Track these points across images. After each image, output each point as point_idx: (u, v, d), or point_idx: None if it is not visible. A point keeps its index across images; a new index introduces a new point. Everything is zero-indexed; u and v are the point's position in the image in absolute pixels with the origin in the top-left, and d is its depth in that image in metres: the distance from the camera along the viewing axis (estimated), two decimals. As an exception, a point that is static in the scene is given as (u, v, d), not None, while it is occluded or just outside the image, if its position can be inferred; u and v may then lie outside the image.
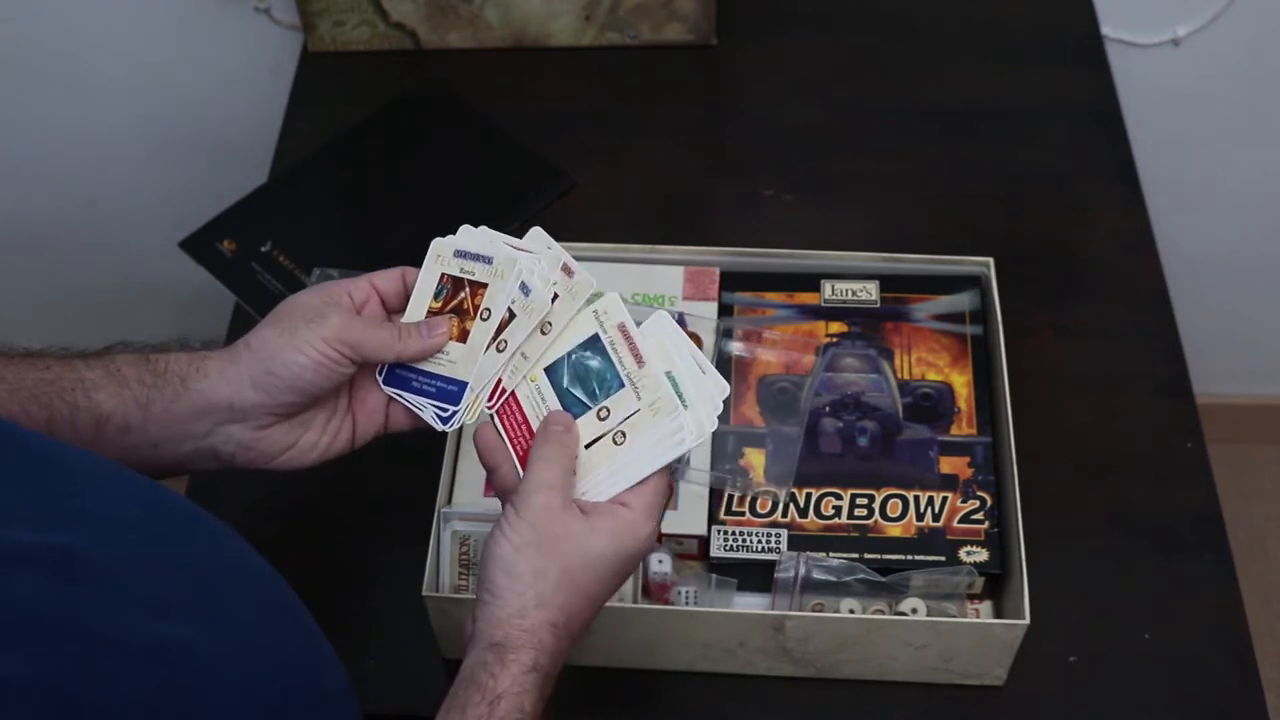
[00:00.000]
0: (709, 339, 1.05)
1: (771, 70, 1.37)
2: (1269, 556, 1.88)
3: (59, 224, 1.65)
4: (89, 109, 1.54)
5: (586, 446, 0.78)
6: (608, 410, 0.78)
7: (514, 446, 0.80)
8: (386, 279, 0.82)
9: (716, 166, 1.30)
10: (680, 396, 0.78)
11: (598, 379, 0.79)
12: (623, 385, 0.78)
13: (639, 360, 0.78)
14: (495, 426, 0.81)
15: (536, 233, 0.84)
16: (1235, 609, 1.01)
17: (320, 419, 0.82)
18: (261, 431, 0.80)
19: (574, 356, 0.80)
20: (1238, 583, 1.03)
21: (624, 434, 0.78)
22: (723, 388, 0.79)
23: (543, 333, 0.81)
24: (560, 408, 0.80)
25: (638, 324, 0.80)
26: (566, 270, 0.81)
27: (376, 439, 0.84)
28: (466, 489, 1.01)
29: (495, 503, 0.98)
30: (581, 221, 1.21)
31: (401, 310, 0.83)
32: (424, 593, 0.92)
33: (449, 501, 1.00)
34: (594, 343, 0.80)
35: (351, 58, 1.38)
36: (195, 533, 0.64)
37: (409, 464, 0.98)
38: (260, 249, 1.21)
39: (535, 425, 0.80)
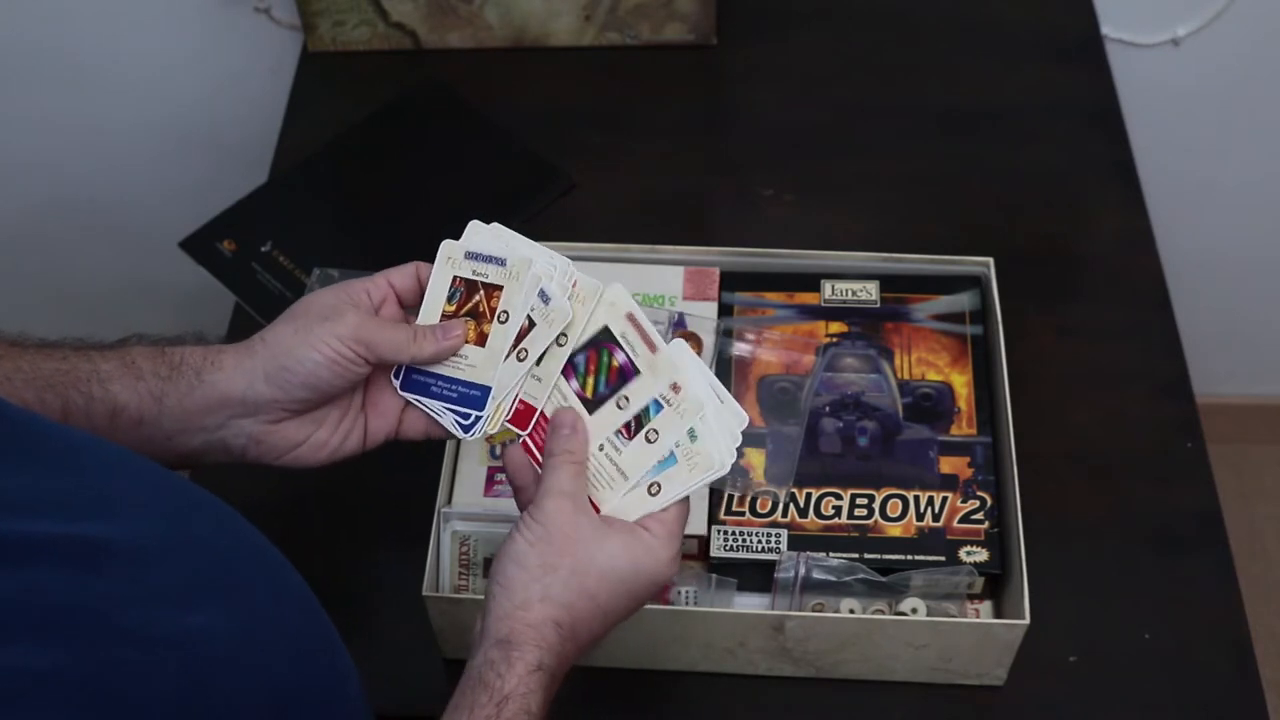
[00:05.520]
0: (709, 339, 1.05)
1: (771, 70, 1.37)
2: (1269, 556, 1.88)
3: (59, 224, 1.65)
4: (89, 109, 1.53)
5: (615, 464, 0.79)
6: (655, 432, 0.78)
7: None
8: (401, 275, 0.83)
9: (716, 166, 1.30)
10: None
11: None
12: (661, 408, 0.78)
13: (675, 388, 0.78)
14: (531, 448, 0.80)
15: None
16: (1235, 609, 1.01)
17: (333, 417, 0.82)
18: (273, 426, 0.80)
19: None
20: (1238, 583, 1.03)
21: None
22: (741, 418, 0.78)
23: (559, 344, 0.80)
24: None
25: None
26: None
27: (386, 443, 0.84)
28: (466, 489, 1.01)
29: (495, 503, 1.00)
30: (581, 221, 1.21)
31: (417, 306, 0.83)
32: (424, 593, 0.92)
33: (449, 501, 1.00)
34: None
35: (351, 58, 1.38)
36: (214, 520, 0.65)
37: (409, 464, 0.98)
38: (260, 249, 1.21)
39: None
